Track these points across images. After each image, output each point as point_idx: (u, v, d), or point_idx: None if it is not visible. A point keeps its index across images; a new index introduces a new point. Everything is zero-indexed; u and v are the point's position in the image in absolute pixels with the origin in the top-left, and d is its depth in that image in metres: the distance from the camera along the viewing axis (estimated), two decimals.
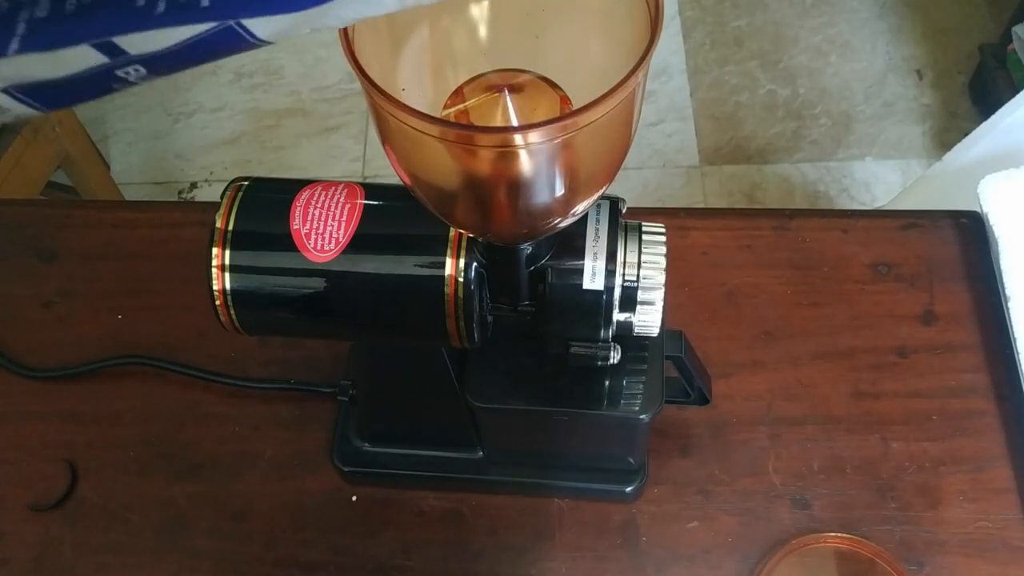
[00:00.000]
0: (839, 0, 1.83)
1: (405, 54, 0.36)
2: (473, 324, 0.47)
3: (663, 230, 0.47)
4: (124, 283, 0.73)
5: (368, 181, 0.49)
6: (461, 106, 0.38)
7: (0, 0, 0.24)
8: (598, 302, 0.46)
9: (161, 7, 0.24)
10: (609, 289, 0.46)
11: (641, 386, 0.53)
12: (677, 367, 0.57)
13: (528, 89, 0.38)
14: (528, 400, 0.54)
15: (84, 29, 0.24)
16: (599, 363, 0.48)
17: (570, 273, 0.46)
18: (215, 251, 0.46)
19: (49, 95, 0.27)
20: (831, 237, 0.73)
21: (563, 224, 0.41)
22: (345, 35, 0.33)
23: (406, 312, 0.48)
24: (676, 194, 1.61)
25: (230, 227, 0.46)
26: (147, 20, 0.24)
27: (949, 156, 0.91)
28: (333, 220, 0.46)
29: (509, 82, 0.38)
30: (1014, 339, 0.64)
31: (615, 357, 0.48)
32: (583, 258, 0.46)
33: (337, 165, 1.68)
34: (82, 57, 0.25)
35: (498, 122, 0.38)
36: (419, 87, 0.32)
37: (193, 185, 1.68)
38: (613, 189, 0.41)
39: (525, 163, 0.34)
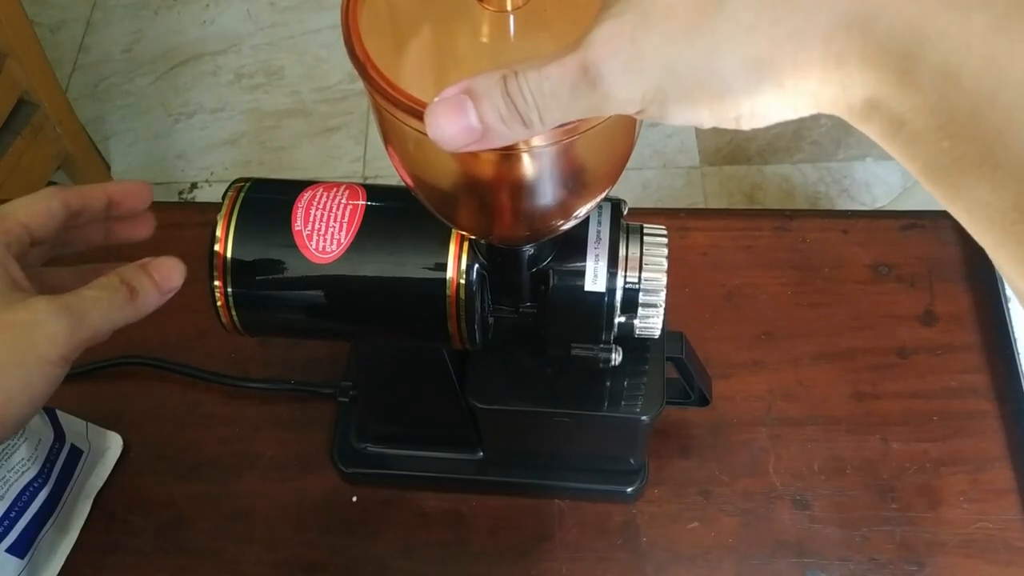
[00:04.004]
0: None
1: (407, 55, 0.36)
2: (475, 326, 0.47)
3: (664, 232, 0.47)
4: None
5: (369, 182, 0.49)
6: None
7: None
8: (600, 304, 0.46)
9: None
10: (611, 291, 0.46)
11: (642, 387, 0.53)
12: (678, 368, 0.57)
13: None
14: (529, 401, 0.54)
15: None
16: (600, 365, 0.48)
17: (572, 275, 0.46)
18: (216, 252, 0.46)
19: None
20: (831, 237, 0.73)
21: (565, 226, 0.41)
22: (347, 33, 0.33)
23: (407, 314, 0.48)
24: (676, 195, 1.61)
25: (231, 228, 0.46)
26: None
27: None
28: (335, 221, 0.46)
29: None
30: (1014, 339, 0.64)
31: (616, 359, 0.48)
32: (585, 260, 0.46)
33: (338, 166, 1.68)
34: None
35: None
36: (421, 89, 0.32)
37: (194, 186, 1.68)
38: (612, 190, 0.41)
39: (528, 166, 0.34)
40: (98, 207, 0.44)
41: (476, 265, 0.45)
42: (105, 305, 0.37)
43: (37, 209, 0.40)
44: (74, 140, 1.36)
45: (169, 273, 0.41)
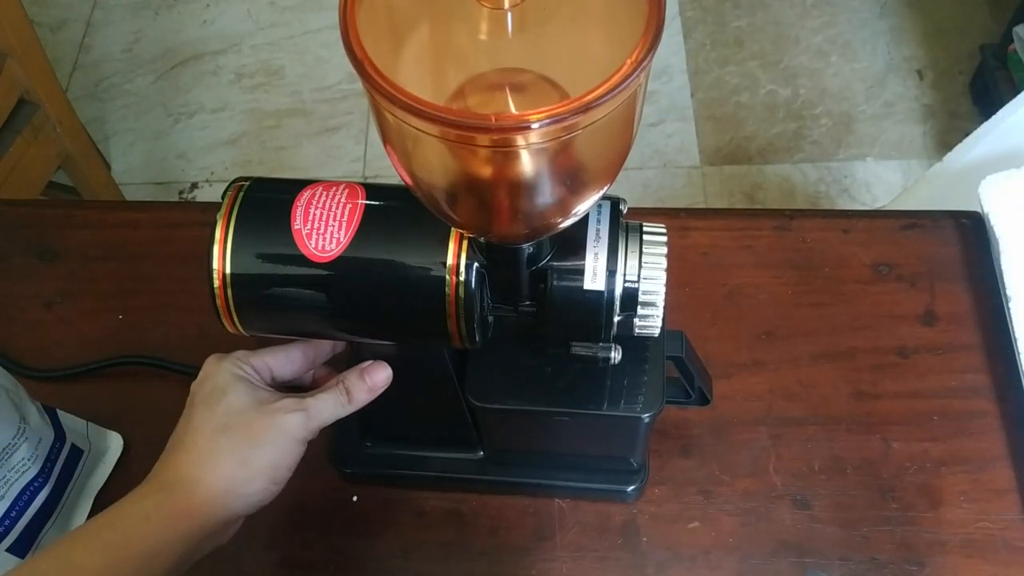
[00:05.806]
0: (840, 0, 1.83)
1: (405, 54, 0.36)
2: (474, 324, 0.47)
3: (664, 231, 0.47)
4: (125, 283, 0.73)
5: (369, 181, 0.49)
6: (462, 105, 0.38)
7: None
8: (599, 302, 0.46)
9: None
10: (610, 290, 0.46)
11: (642, 386, 0.53)
12: (678, 367, 0.57)
13: (529, 88, 0.38)
14: (529, 400, 0.54)
15: None
16: (600, 363, 0.48)
17: (571, 273, 0.46)
18: (216, 251, 0.46)
19: None
20: (832, 237, 0.73)
21: (564, 224, 0.41)
22: (345, 32, 0.33)
23: (407, 312, 0.48)
24: (677, 194, 1.61)
25: (231, 227, 0.46)
26: None
27: (950, 156, 0.91)
28: (334, 220, 0.46)
29: (510, 81, 0.38)
30: (1015, 339, 0.64)
31: (616, 357, 0.48)
32: (584, 258, 0.46)
33: (338, 165, 1.68)
34: None
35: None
36: (419, 88, 0.32)
37: (194, 185, 1.68)
38: (613, 189, 0.41)
39: (526, 163, 0.34)
40: (327, 353, 0.58)
41: (475, 264, 0.45)
42: (330, 403, 0.51)
43: (278, 356, 0.54)
44: (74, 140, 1.36)
45: (376, 375, 0.53)
